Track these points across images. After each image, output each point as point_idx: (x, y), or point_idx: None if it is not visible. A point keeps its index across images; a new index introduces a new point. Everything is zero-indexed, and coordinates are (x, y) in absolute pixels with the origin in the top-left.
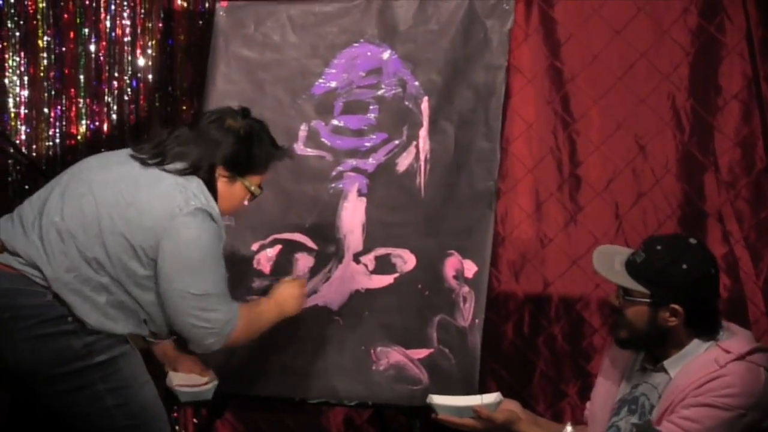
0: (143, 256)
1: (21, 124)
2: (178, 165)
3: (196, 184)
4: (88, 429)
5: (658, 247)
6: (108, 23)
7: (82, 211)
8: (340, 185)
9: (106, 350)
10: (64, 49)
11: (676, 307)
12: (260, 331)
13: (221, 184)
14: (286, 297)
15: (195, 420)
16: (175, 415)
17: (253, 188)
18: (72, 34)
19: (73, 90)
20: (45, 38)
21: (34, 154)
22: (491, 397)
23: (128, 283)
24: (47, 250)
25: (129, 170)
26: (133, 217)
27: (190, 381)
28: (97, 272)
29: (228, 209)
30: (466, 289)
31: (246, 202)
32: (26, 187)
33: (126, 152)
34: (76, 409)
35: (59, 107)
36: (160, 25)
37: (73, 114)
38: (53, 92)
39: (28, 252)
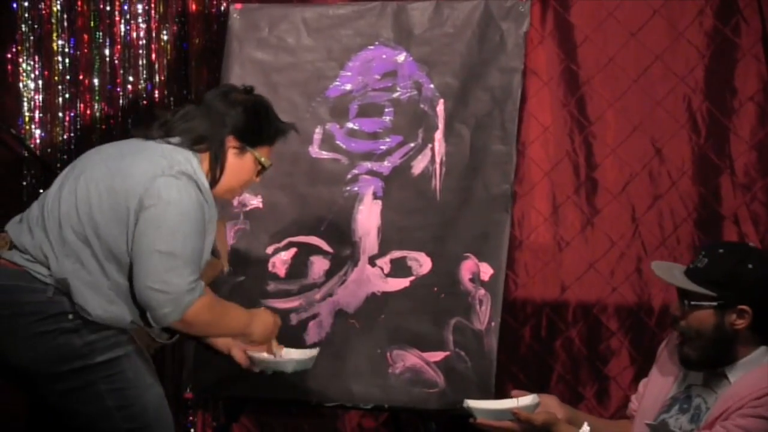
0: (131, 224)
1: (36, 128)
2: (186, 138)
3: (185, 155)
4: (88, 429)
5: (720, 251)
6: (122, 27)
7: (75, 192)
8: (356, 188)
9: (108, 350)
10: (78, 53)
11: (744, 307)
12: (221, 329)
13: (231, 156)
14: (261, 320)
15: (214, 423)
16: (191, 418)
17: (263, 160)
18: (86, 38)
19: (87, 94)
20: (59, 42)
21: (49, 157)
22: (527, 399)
23: (124, 261)
24: (51, 239)
25: (121, 147)
26: (118, 184)
27: (268, 358)
28: (94, 253)
29: (238, 183)
30: (482, 292)
31: (256, 178)
32: (40, 190)
33: (128, 139)
34: (77, 408)
35: (74, 111)
36: (175, 28)
37: (87, 118)
38: (68, 96)
39: (34, 246)
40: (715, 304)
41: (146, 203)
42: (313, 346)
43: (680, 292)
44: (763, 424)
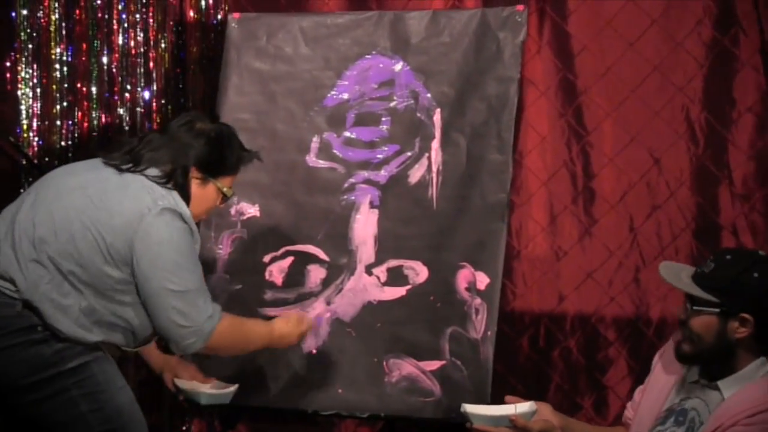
0: (117, 258)
1: (34, 136)
2: (154, 171)
3: (164, 188)
4: None
5: (728, 257)
6: (120, 36)
7: (53, 217)
8: (352, 197)
9: (77, 356)
10: (76, 61)
11: (747, 316)
12: (244, 347)
13: (194, 186)
14: (284, 333)
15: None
16: (184, 429)
17: (225, 189)
18: (84, 47)
19: (85, 102)
20: (58, 50)
21: (47, 165)
22: (525, 406)
23: (103, 288)
24: (20, 260)
25: (98, 175)
26: (104, 219)
27: (193, 387)
28: (70, 279)
29: (201, 212)
30: (478, 301)
31: (219, 204)
32: None
33: (96, 160)
34: (51, 417)
35: (72, 119)
36: (173, 37)
37: (85, 126)
38: (66, 104)
39: (1, 263)
40: (717, 310)
41: (138, 247)
42: (309, 354)
43: (686, 295)
44: None
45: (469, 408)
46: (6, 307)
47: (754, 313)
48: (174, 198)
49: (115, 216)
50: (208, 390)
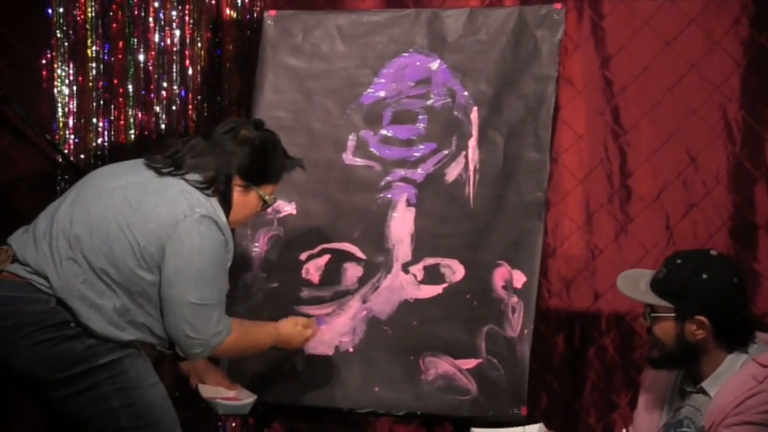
0: (150, 261)
1: (70, 134)
2: (195, 176)
3: (204, 195)
4: (95, 431)
5: (678, 261)
6: (157, 33)
7: (90, 217)
8: (389, 195)
9: (109, 352)
10: (112, 58)
11: (702, 318)
12: (249, 351)
13: (236, 193)
14: (289, 335)
15: (244, 429)
16: (220, 423)
17: (267, 198)
18: (121, 44)
19: (121, 100)
20: (94, 48)
21: (83, 163)
22: (534, 429)
23: (135, 289)
24: (55, 258)
25: (138, 178)
26: (139, 222)
27: (217, 393)
28: (104, 278)
29: (241, 218)
30: (515, 299)
31: (259, 211)
32: None
33: (139, 162)
34: (83, 412)
35: (108, 117)
36: (209, 35)
37: (121, 124)
38: (102, 102)
39: (37, 260)
40: (673, 315)
41: (169, 251)
42: (346, 352)
43: (644, 303)
44: (748, 429)
45: None
46: (40, 302)
47: (707, 314)
48: (213, 205)
49: (150, 220)
50: (225, 401)
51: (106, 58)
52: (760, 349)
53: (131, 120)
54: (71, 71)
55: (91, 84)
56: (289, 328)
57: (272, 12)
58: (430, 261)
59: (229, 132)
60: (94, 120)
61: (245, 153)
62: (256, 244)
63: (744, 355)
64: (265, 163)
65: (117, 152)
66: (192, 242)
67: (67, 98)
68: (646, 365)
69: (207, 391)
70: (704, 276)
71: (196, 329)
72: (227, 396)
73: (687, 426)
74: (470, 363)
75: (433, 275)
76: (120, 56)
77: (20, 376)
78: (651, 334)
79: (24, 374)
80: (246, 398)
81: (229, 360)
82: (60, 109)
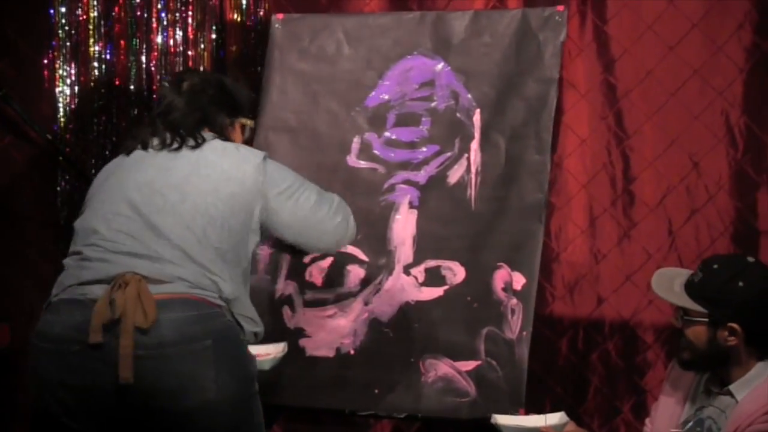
0: (256, 220)
1: (71, 134)
2: (207, 135)
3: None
4: None
5: (715, 266)
6: (159, 34)
7: (197, 212)
8: (392, 197)
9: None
10: (115, 59)
11: (735, 326)
12: None
13: (231, 133)
14: None
15: None
16: None
17: (247, 123)
18: (123, 45)
19: (123, 100)
20: (96, 48)
21: (83, 163)
22: (555, 418)
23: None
24: (208, 266)
25: (187, 159)
26: (236, 189)
27: (266, 350)
28: (238, 266)
29: None
30: (514, 301)
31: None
32: (75, 197)
33: (143, 153)
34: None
35: (109, 117)
36: (213, 36)
37: (123, 125)
38: (103, 102)
39: (195, 273)
40: (707, 320)
41: (271, 193)
42: (347, 354)
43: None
44: None
45: (500, 419)
46: (221, 317)
47: (741, 322)
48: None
49: (243, 181)
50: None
51: (108, 58)
52: None
53: (132, 120)
54: (73, 71)
55: (92, 84)
56: None
57: (279, 15)
58: (431, 263)
59: (188, 89)
60: (95, 120)
61: (214, 97)
62: (261, 247)
63: None
64: (227, 94)
65: (118, 152)
66: (276, 168)
67: (68, 98)
68: (673, 364)
69: (255, 349)
70: (740, 284)
71: (338, 210)
72: (271, 352)
73: (708, 426)
74: (469, 365)
75: (434, 277)
76: (122, 57)
77: (210, 402)
78: (683, 336)
79: (211, 400)
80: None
81: None
82: (61, 109)
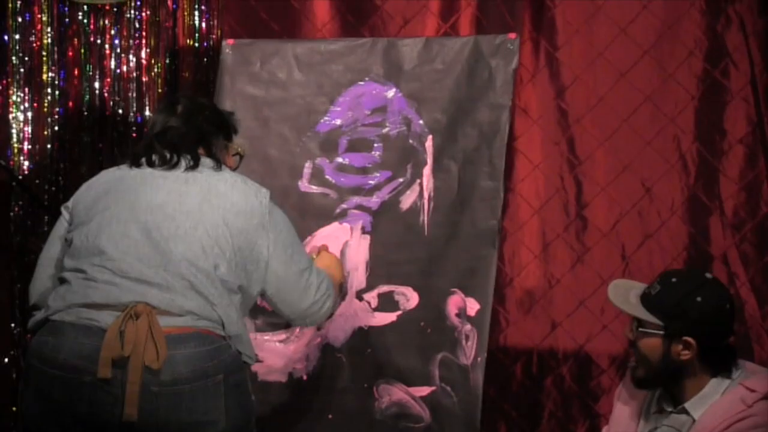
0: (260, 253)
1: (24, 159)
2: (209, 162)
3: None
4: None
5: (674, 280)
6: (113, 60)
7: (208, 240)
8: (344, 223)
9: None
10: (68, 85)
11: (689, 340)
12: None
13: (225, 158)
14: (332, 262)
15: None
16: None
17: (240, 149)
18: (77, 71)
19: (77, 126)
20: (49, 74)
21: (37, 188)
22: None
23: (253, 290)
24: (213, 300)
25: (198, 187)
26: (244, 224)
27: None
28: (245, 298)
29: None
30: (468, 327)
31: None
32: (28, 222)
33: (146, 175)
34: None
35: (63, 143)
36: (166, 62)
37: (76, 150)
38: (57, 128)
39: (200, 306)
40: (662, 332)
41: (272, 236)
42: (300, 380)
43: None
44: None
45: None
46: (228, 349)
47: (696, 336)
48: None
49: (249, 215)
50: None
51: (61, 84)
52: (743, 375)
53: (87, 146)
54: (26, 97)
55: (46, 110)
56: (326, 259)
57: (230, 41)
58: (384, 288)
59: (183, 111)
60: (49, 146)
61: (209, 118)
62: None
63: (727, 380)
64: (222, 117)
65: (71, 178)
66: (280, 216)
67: (22, 124)
68: (622, 380)
69: None
70: (698, 299)
71: (318, 287)
72: None
73: None
74: (424, 390)
75: (387, 302)
76: (76, 83)
77: None
78: (636, 348)
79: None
80: None
81: None
82: (15, 135)
